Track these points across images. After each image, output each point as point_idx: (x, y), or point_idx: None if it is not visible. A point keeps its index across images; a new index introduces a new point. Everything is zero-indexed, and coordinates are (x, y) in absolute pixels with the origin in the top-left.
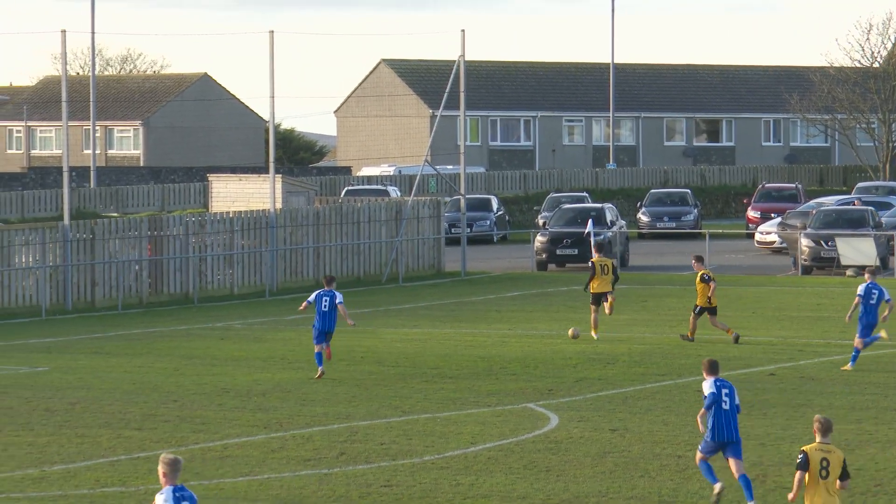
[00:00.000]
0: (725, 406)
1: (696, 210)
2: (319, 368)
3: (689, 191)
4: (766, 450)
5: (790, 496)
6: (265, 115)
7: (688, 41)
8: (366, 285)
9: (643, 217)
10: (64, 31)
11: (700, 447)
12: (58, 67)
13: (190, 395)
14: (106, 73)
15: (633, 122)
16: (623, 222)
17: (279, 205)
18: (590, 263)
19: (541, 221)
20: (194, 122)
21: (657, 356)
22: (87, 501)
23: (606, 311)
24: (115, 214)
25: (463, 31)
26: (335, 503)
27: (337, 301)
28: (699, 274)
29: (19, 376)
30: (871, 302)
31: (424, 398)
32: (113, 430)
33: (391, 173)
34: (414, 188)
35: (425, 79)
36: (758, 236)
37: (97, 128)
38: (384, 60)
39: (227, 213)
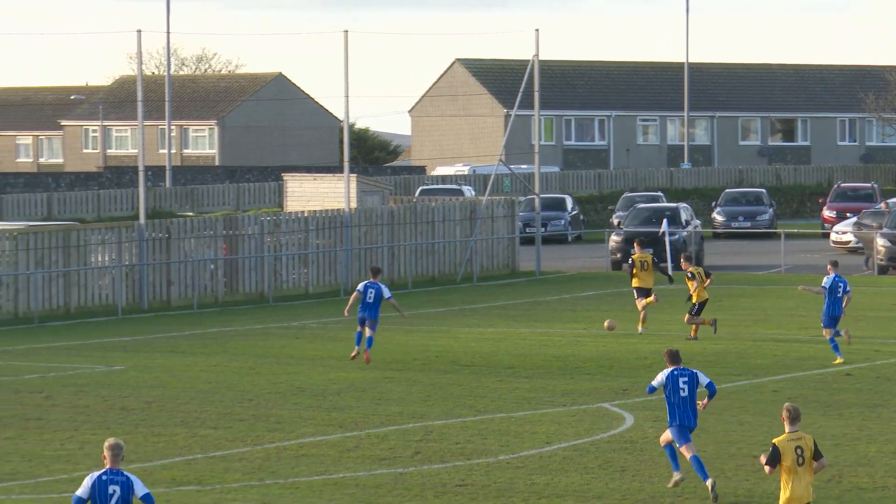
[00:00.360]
0: (683, 393)
1: (771, 210)
2: (356, 348)
3: (764, 190)
4: (842, 450)
5: (767, 472)
6: (340, 115)
7: (763, 40)
8: (440, 285)
9: (718, 217)
10: (139, 32)
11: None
12: (133, 67)
13: (265, 394)
14: (181, 72)
15: (708, 122)
16: (698, 222)
17: (354, 204)
18: (630, 260)
19: (615, 221)
20: (269, 121)
21: (732, 356)
22: (163, 500)
23: (640, 307)
24: (191, 214)
25: (537, 30)
26: (410, 502)
27: (386, 296)
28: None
29: (96, 375)
30: (837, 294)
31: (499, 398)
32: (188, 429)
33: (465, 173)
34: (488, 188)
35: (499, 78)
36: (833, 236)
37: (172, 127)
38: (459, 60)
39: (302, 212)
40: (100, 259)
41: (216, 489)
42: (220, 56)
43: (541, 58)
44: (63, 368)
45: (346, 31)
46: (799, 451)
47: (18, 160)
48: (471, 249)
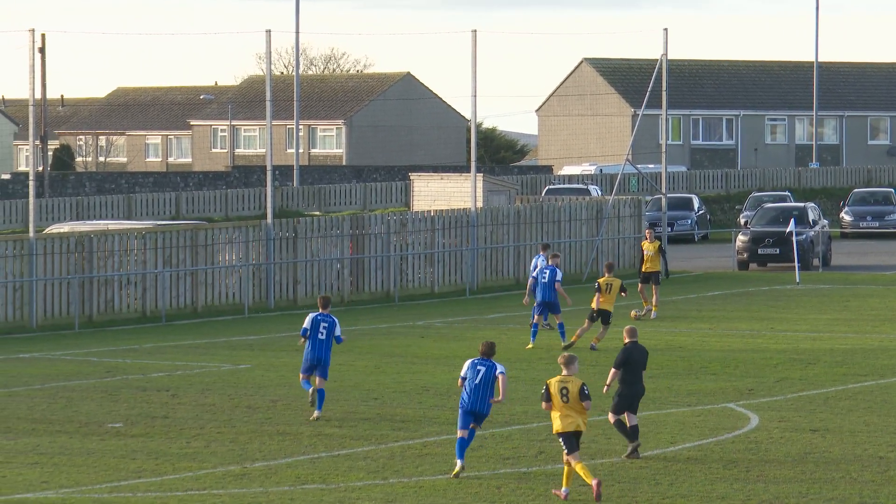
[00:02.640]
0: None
1: None
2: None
3: (892, 190)
4: None
5: (543, 405)
6: (467, 114)
7: (893, 39)
8: (566, 284)
9: (846, 216)
10: (269, 32)
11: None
12: (262, 67)
13: (390, 393)
14: (309, 72)
15: (837, 121)
16: (825, 222)
17: (480, 204)
18: (596, 284)
19: (742, 221)
20: (396, 121)
21: (859, 356)
22: (287, 498)
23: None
24: (318, 213)
25: (665, 29)
26: (533, 501)
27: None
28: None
29: (222, 374)
30: None
31: None
32: (313, 428)
33: (592, 172)
34: (615, 187)
35: (627, 77)
36: None
37: (300, 127)
38: (586, 59)
39: (429, 211)
40: (227, 258)
41: (340, 488)
42: (349, 56)
43: (669, 57)
44: (189, 367)
45: (475, 31)
46: (564, 390)
47: (148, 159)
48: (597, 249)
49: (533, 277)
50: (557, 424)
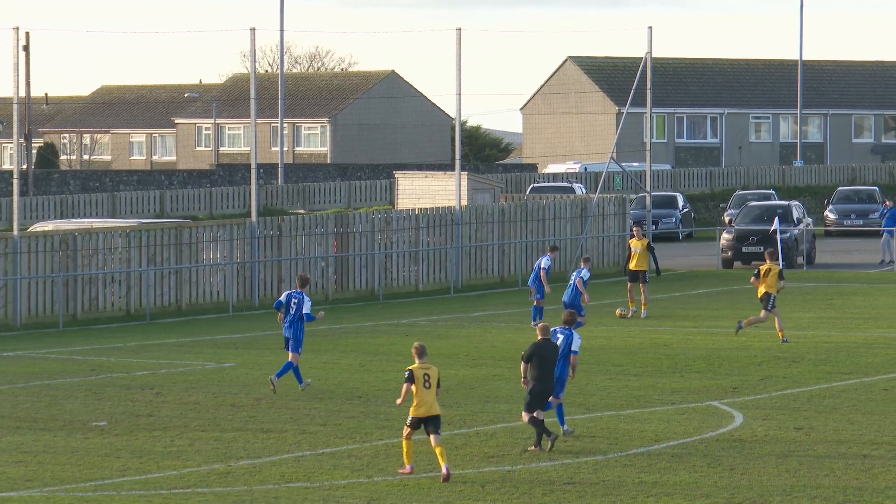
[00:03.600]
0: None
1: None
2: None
3: (876, 188)
4: None
5: (398, 402)
6: (452, 113)
7: (877, 37)
8: (551, 282)
9: (830, 215)
10: (253, 30)
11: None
12: (246, 65)
13: (374, 391)
14: (294, 70)
15: (821, 119)
16: (810, 220)
17: (465, 202)
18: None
19: (727, 219)
20: (381, 119)
21: (843, 354)
22: (272, 496)
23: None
24: (302, 211)
25: (650, 27)
26: (518, 500)
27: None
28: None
29: (206, 372)
30: None
31: (608, 395)
32: (298, 426)
33: (577, 170)
34: (599, 185)
35: (612, 76)
36: None
37: (285, 125)
38: (571, 57)
39: (413, 210)
40: (211, 256)
41: (324, 486)
42: (333, 54)
43: (653, 55)
44: (174, 365)
45: (459, 29)
46: (426, 376)
47: (132, 158)
48: (581, 247)
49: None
50: (418, 409)
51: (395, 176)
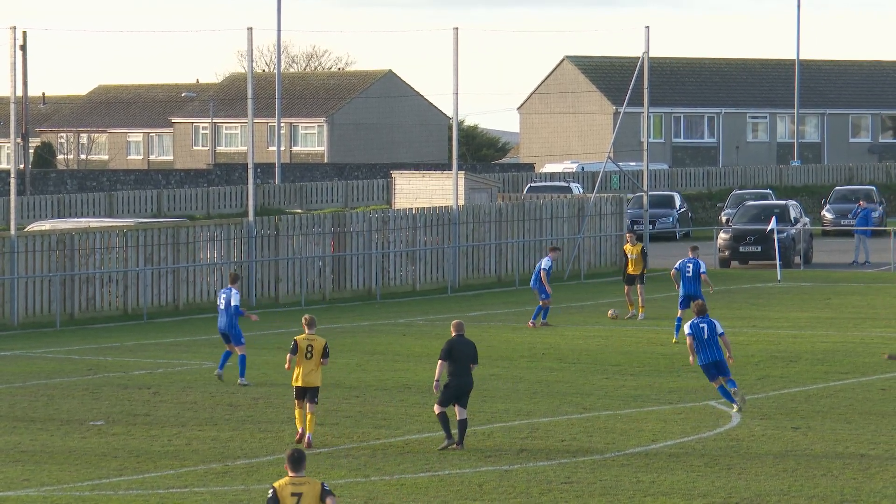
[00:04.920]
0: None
1: (880, 207)
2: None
3: (874, 188)
4: None
5: (286, 367)
6: (449, 112)
7: (874, 37)
8: (551, 282)
9: (827, 214)
10: (250, 29)
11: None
12: (244, 65)
13: (372, 390)
14: (291, 70)
15: (818, 119)
16: (807, 219)
17: (462, 201)
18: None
19: (724, 218)
20: (378, 118)
21: (840, 354)
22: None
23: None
24: (299, 211)
25: (647, 27)
26: (515, 499)
27: (702, 270)
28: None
29: (204, 371)
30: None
31: (605, 395)
32: (295, 426)
33: (574, 170)
34: (597, 185)
35: (609, 75)
36: None
37: (282, 125)
38: (568, 57)
39: (410, 209)
40: (208, 256)
41: None
42: (331, 53)
43: (651, 54)
44: (171, 365)
45: (457, 29)
46: (309, 347)
47: (129, 157)
48: (578, 247)
49: (677, 269)
50: (297, 380)
51: (393, 175)
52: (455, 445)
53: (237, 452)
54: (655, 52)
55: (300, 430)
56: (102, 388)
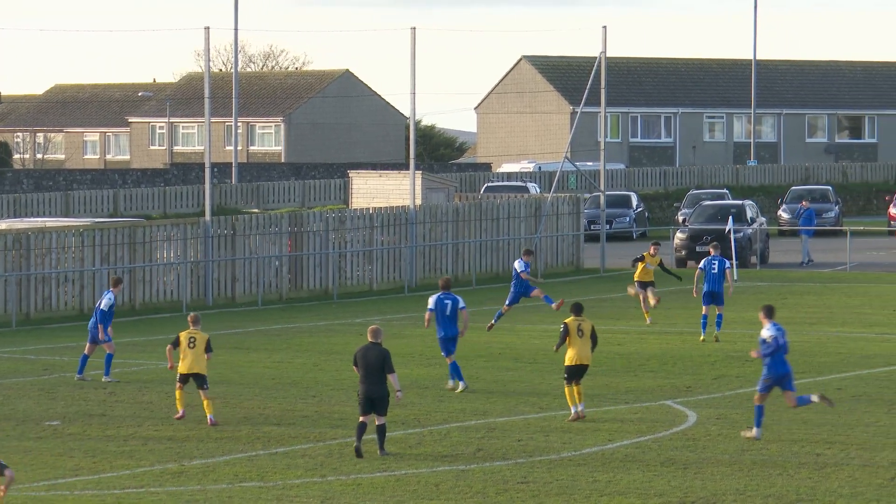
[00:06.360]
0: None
1: (837, 207)
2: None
3: (830, 188)
4: None
5: (168, 366)
6: (406, 112)
7: (830, 37)
8: (504, 282)
9: (783, 214)
10: (207, 28)
11: None
12: (200, 64)
13: (329, 390)
14: (248, 69)
15: (775, 119)
16: (763, 219)
17: (419, 201)
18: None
19: (681, 218)
20: (335, 118)
21: (796, 354)
22: (225, 496)
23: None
24: (256, 210)
25: (604, 27)
26: (472, 499)
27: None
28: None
29: (160, 371)
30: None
31: (562, 395)
32: (252, 426)
33: (531, 170)
34: (553, 185)
35: (566, 75)
36: None
37: (239, 124)
38: (525, 57)
39: (367, 209)
40: (165, 255)
41: (278, 486)
42: (288, 53)
43: (608, 54)
44: (127, 364)
45: (414, 28)
46: (191, 340)
47: (86, 157)
48: (536, 246)
49: (701, 269)
50: (181, 367)
51: (350, 175)
52: (356, 451)
53: (193, 453)
54: (613, 52)
55: (181, 412)
56: (58, 388)
